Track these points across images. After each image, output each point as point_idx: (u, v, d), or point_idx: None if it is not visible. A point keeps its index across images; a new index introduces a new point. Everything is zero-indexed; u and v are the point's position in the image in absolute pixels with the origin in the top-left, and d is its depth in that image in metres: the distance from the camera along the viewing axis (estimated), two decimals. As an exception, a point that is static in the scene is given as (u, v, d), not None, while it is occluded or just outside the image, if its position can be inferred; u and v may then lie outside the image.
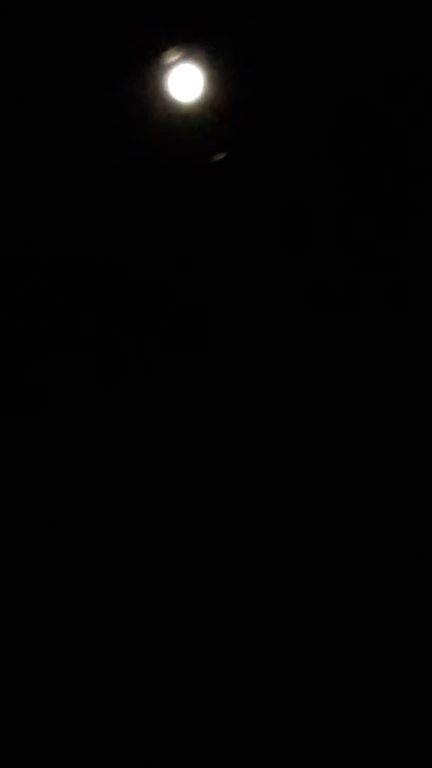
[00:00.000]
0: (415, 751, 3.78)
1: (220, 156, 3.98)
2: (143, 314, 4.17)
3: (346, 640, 3.91)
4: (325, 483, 4.05)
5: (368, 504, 4.02)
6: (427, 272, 4.05)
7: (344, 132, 3.98)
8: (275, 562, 4.02)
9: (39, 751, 3.85)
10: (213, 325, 4.16)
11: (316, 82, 3.91)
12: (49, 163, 4.04)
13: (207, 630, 3.97)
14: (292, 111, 3.96)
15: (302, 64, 3.89)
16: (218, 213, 4.08)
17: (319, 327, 4.12)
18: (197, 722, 3.88)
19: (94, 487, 4.09)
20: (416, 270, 4.05)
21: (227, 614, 3.98)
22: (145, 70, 3.92)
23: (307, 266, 4.09)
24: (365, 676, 3.87)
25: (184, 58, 3.90)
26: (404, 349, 4.08)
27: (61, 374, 4.15)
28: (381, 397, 4.09)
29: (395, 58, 3.87)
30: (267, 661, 3.93)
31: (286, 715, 3.86)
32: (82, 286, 4.15)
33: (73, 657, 3.95)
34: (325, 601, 3.95)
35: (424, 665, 3.83)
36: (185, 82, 3.93)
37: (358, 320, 4.10)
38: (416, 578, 3.94)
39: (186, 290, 4.15)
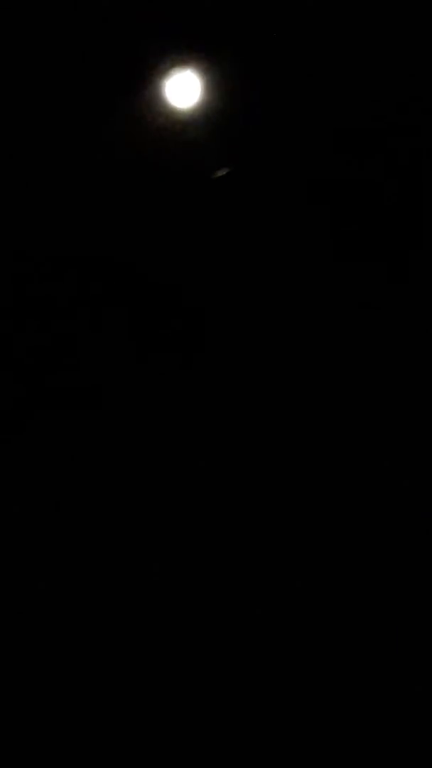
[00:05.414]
0: (416, 751, 3.77)
1: (222, 172, 4.02)
2: (142, 325, 4.21)
3: (345, 639, 3.92)
4: (324, 483, 4.07)
5: (368, 514, 4.04)
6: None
7: (345, 141, 4.02)
8: (275, 566, 4.05)
9: (39, 751, 3.84)
10: (212, 338, 4.20)
11: (316, 91, 3.96)
12: (46, 174, 4.06)
13: (209, 633, 3.98)
14: (292, 119, 4.01)
15: (302, 72, 3.94)
16: (217, 221, 4.12)
17: (321, 340, 4.15)
18: (197, 722, 3.87)
19: (92, 488, 4.12)
20: (423, 284, 4.11)
21: (229, 620, 3.99)
22: (143, 78, 3.97)
23: (308, 277, 4.12)
24: (365, 677, 3.87)
25: (182, 66, 3.95)
26: (404, 354, 4.12)
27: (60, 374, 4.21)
28: (381, 407, 4.13)
29: (398, 66, 3.93)
30: (266, 662, 3.93)
31: (285, 714, 3.86)
32: (78, 297, 4.19)
33: (77, 657, 3.96)
34: (325, 614, 3.97)
35: (424, 665, 3.84)
36: (183, 90, 3.97)
37: (361, 333, 4.13)
38: (416, 589, 3.95)
39: (186, 300, 4.19)
